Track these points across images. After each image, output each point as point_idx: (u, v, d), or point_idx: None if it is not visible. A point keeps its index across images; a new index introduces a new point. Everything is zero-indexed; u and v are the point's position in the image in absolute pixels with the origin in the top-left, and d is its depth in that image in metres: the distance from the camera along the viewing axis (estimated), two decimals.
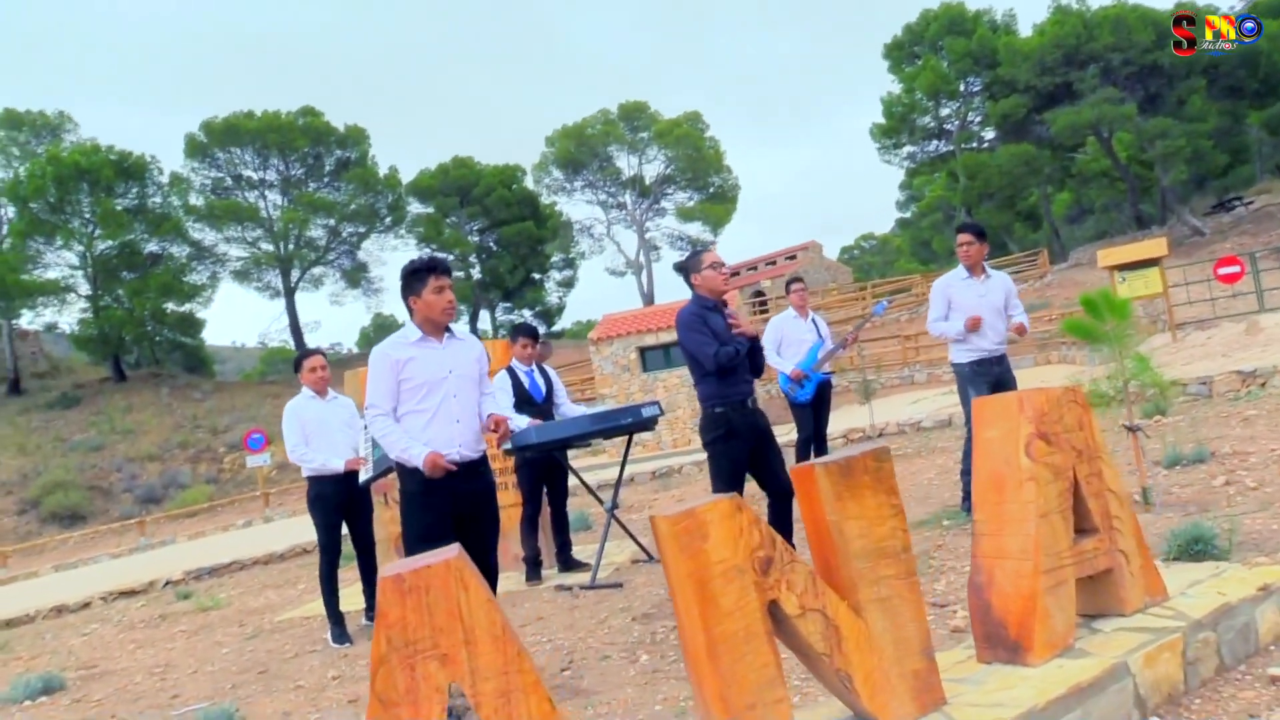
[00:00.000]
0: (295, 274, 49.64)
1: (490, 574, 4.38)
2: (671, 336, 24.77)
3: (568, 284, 61.80)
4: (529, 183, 53.76)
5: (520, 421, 6.78)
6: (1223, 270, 21.21)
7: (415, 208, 53.32)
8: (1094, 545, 2.96)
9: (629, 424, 6.69)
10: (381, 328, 77.98)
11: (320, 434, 6.29)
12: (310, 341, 54.19)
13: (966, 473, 6.24)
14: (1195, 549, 4.43)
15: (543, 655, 5.00)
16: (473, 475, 4.32)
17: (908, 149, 44.86)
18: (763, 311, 43.53)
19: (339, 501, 6.32)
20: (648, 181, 50.84)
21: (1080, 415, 3.01)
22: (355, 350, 70.09)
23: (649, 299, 49.94)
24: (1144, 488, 5.72)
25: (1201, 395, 10.72)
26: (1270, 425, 7.90)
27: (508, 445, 6.82)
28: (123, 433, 38.55)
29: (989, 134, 43.73)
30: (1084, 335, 5.95)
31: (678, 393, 24.60)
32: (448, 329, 4.33)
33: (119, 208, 43.90)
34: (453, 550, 2.52)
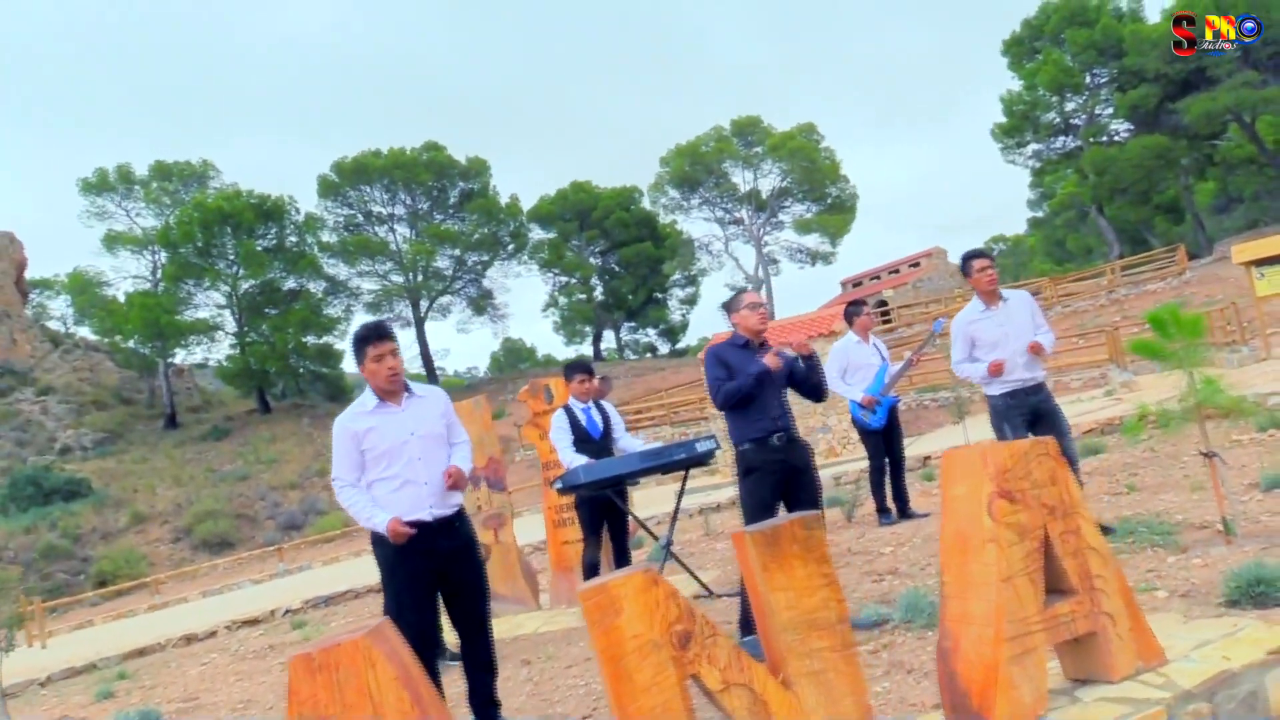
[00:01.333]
0: (424, 304, 51.27)
1: (481, 628, 4.35)
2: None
3: (690, 301, 61.99)
4: (646, 203, 54.19)
5: (576, 460, 6.80)
6: None
7: (536, 233, 54.43)
8: (1070, 608, 2.74)
9: (683, 459, 6.61)
10: (511, 351, 79.86)
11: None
12: (441, 367, 55.94)
13: None
14: (1257, 591, 4.08)
15: (573, 700, 4.96)
16: (448, 533, 4.27)
17: (1033, 147, 43.25)
18: (886, 321, 42.58)
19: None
20: (764, 195, 50.52)
21: (1053, 469, 2.79)
22: (487, 374, 71.91)
23: (770, 314, 49.48)
24: (1224, 517, 5.29)
25: None
26: None
27: (558, 485, 6.84)
28: (267, 462, 40.49)
29: (1119, 127, 41.74)
30: (1151, 355, 5.55)
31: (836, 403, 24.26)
32: (407, 389, 4.32)
33: (259, 248, 46.32)
34: (369, 627, 2.52)
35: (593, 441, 7.04)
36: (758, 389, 4.98)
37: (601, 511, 7.12)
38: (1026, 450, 2.77)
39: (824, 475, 16.01)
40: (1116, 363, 24.36)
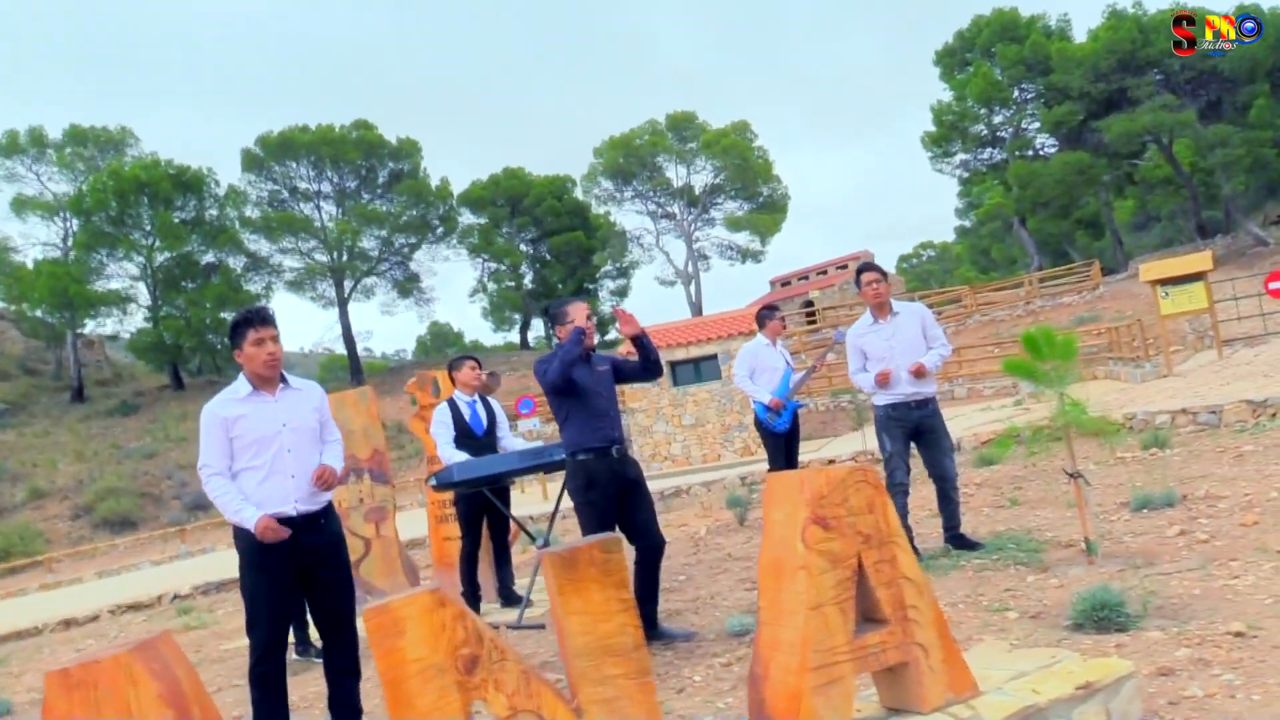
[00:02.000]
0: (348, 284, 50.31)
1: (344, 627, 4.21)
2: (702, 351, 24.56)
3: (621, 293, 61.76)
4: (579, 193, 53.86)
5: (455, 456, 6.65)
6: (1275, 284, 20.24)
7: (467, 218, 53.74)
8: (881, 638, 2.69)
9: (560, 461, 6.49)
10: (438, 335, 78.94)
11: None
12: (368, 349, 55.04)
13: None
14: (1099, 616, 4.11)
15: None
16: (313, 529, 4.13)
17: (960, 157, 43.95)
18: (811, 322, 42.97)
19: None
20: (696, 191, 50.55)
21: (871, 496, 2.74)
22: (413, 358, 70.97)
23: (698, 309, 49.62)
24: (1086, 539, 5.35)
25: (1211, 425, 10.18)
26: (1260, 464, 7.42)
27: (433, 481, 6.69)
28: (176, 440, 39.35)
29: (1044, 141, 42.62)
30: (1023, 374, 5.59)
31: (707, 407, 24.37)
32: (283, 380, 4.19)
33: (177, 220, 44.96)
34: (130, 644, 2.37)
35: (475, 438, 6.89)
36: (584, 387, 4.91)
37: (480, 509, 6.98)
38: (844, 477, 2.71)
39: (730, 475, 16.06)
40: None
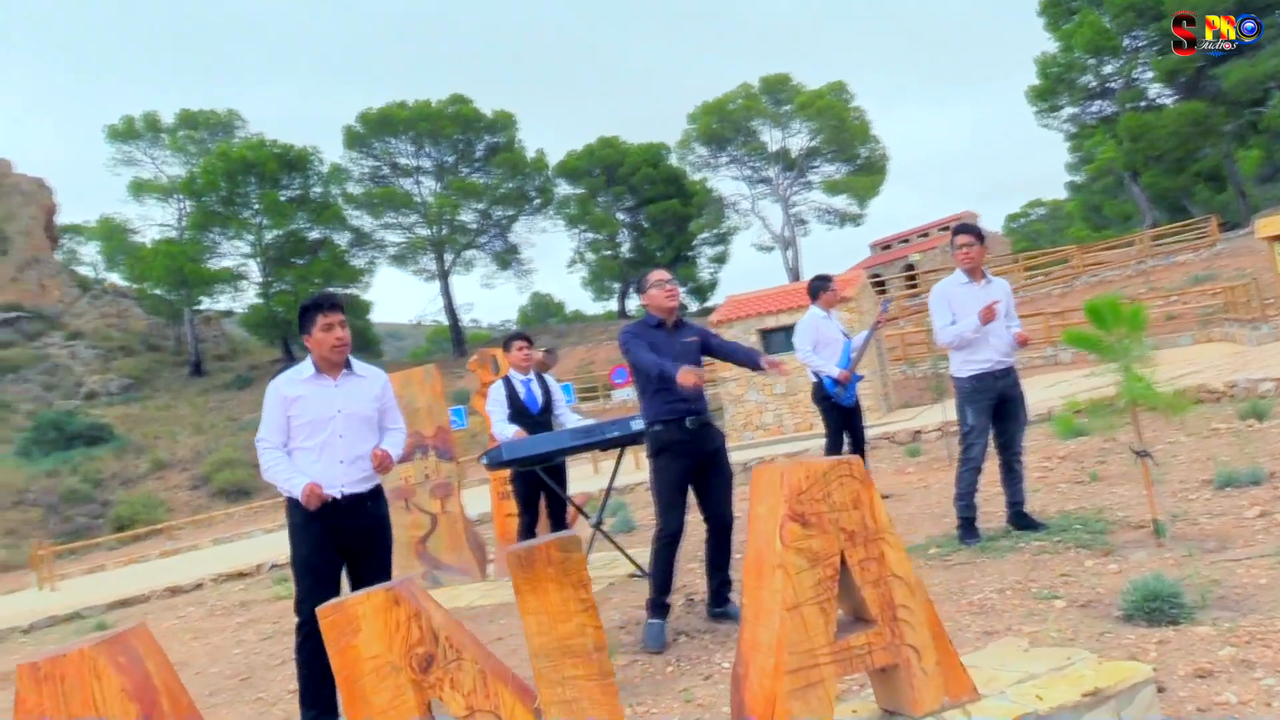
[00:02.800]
0: (449, 257, 51.22)
1: None
2: (793, 319, 24.15)
3: (719, 260, 61.33)
4: (674, 160, 53.53)
5: (506, 433, 6.67)
6: None
7: (563, 189, 54.05)
8: (867, 639, 2.55)
9: (615, 438, 6.42)
10: (540, 305, 79.83)
11: None
12: (475, 319, 56.04)
13: (960, 497, 5.69)
14: (1151, 607, 3.86)
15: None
16: (358, 511, 4.26)
17: (1068, 111, 42.08)
18: (912, 286, 41.94)
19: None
20: (793, 155, 49.67)
21: (856, 491, 2.59)
22: (516, 328, 71.95)
23: (795, 274, 48.95)
24: (1155, 520, 5.05)
25: None
26: None
27: (484, 460, 6.71)
28: None
29: (1158, 91, 40.48)
30: (1086, 347, 5.29)
31: (799, 375, 23.99)
32: (348, 365, 4.29)
33: (284, 198, 46.40)
34: (91, 640, 2.40)
35: (530, 415, 6.88)
36: (667, 380, 4.81)
37: (536, 486, 6.98)
38: (827, 471, 2.57)
39: (816, 444, 15.78)
40: None
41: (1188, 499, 6.04)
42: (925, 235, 49.54)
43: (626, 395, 24.14)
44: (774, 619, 2.48)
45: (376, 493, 4.39)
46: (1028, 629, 3.89)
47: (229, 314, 52.78)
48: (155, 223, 49.57)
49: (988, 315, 5.53)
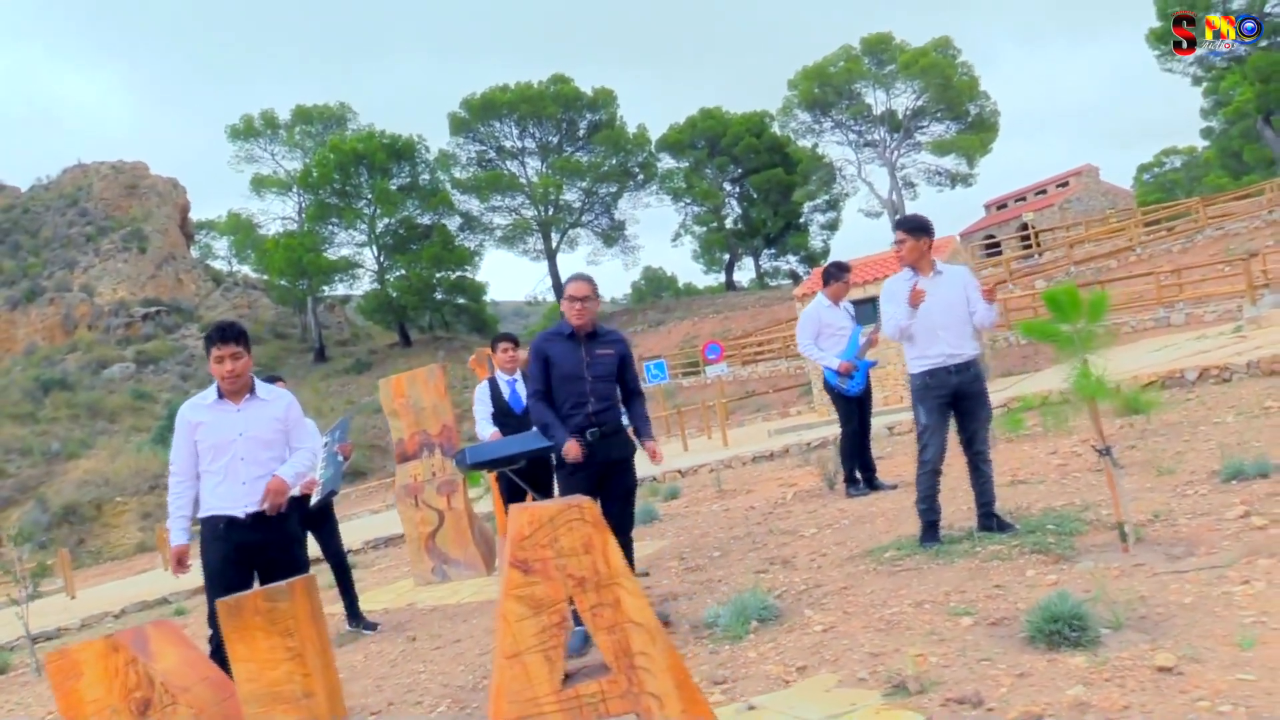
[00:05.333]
0: (555, 237, 51.84)
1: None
2: (877, 290, 23.52)
3: (831, 227, 60.19)
4: (776, 129, 52.68)
5: (485, 434, 6.76)
6: None
7: (666, 163, 53.93)
8: (599, 688, 2.47)
9: None
10: (652, 279, 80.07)
11: None
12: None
13: (921, 500, 5.45)
14: (1050, 630, 3.62)
15: (419, 686, 4.92)
16: (265, 527, 4.43)
17: (1195, 52, 39.41)
18: (1027, 247, 40.22)
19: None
20: (899, 116, 48.18)
21: (588, 535, 2.50)
22: (626, 304, 72.42)
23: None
24: (1119, 524, 4.74)
25: None
26: None
27: (455, 462, 6.78)
28: None
29: None
30: (1042, 337, 4.97)
31: (888, 347, 23.38)
32: (251, 391, 4.45)
33: (394, 187, 47.76)
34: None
35: (514, 416, 6.92)
36: (561, 372, 4.81)
37: (522, 483, 7.00)
38: (554, 515, 2.49)
39: (881, 422, 15.37)
40: (1249, 297, 22.26)
41: (1183, 494, 5.63)
42: (1042, 193, 47.43)
43: (722, 370, 23.88)
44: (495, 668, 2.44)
45: (286, 510, 4.51)
46: (915, 650, 3.70)
47: (346, 300, 54.79)
48: (277, 216, 51.84)
49: (915, 298, 5.27)
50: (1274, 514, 4.80)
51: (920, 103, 47.24)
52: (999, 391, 16.27)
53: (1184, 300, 25.52)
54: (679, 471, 14.10)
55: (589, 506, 2.54)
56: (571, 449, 4.65)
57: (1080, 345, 4.88)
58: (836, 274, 8.08)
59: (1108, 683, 3.09)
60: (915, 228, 5.51)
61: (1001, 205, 50.04)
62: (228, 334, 4.38)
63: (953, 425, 5.52)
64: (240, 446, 4.38)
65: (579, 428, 4.79)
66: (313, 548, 7.57)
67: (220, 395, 4.42)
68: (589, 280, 4.97)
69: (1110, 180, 48.98)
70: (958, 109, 46.63)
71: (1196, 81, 41.69)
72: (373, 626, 6.75)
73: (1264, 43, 37.31)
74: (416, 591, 8.02)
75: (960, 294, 5.45)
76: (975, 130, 47.08)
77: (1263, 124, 38.85)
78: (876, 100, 48.36)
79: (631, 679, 2.49)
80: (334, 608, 7.53)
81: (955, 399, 5.40)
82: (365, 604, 7.66)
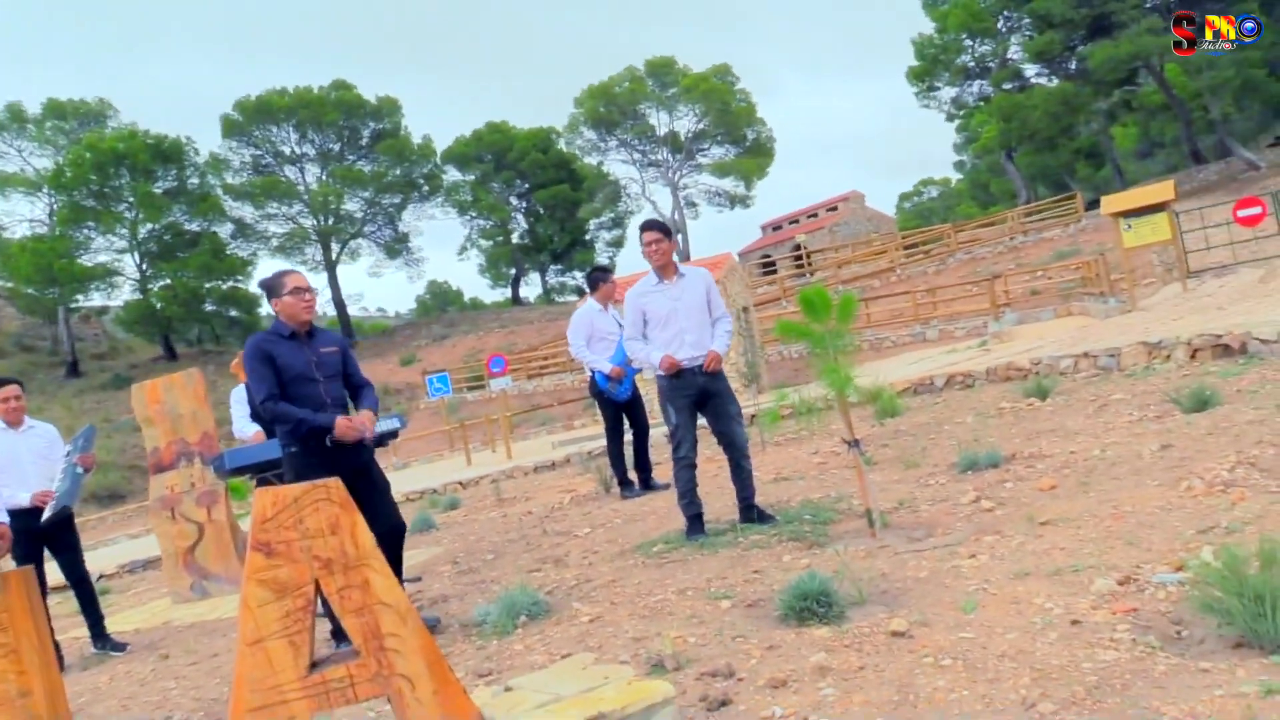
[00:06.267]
0: (336, 247, 50.10)
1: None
2: None
3: (617, 244, 61.19)
4: (563, 145, 53.16)
5: (247, 432, 6.50)
6: (1242, 212, 19.63)
7: (452, 175, 53.29)
8: (347, 671, 2.41)
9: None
10: (438, 293, 78.80)
11: (10, 467, 5.97)
12: (356, 310, 54.90)
13: (682, 495, 5.64)
14: (801, 607, 3.82)
15: (169, 702, 4.62)
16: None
17: (948, 91, 42.91)
18: (799, 266, 42.35)
19: (34, 534, 6.00)
20: (681, 138, 49.69)
21: (335, 516, 2.44)
22: (409, 317, 70.91)
23: (686, 256, 49.05)
24: (867, 511, 5.05)
25: (1109, 369, 9.79)
26: (1114, 415, 7.06)
27: (212, 466, 6.49)
28: None
29: (1035, 71, 41.46)
30: (797, 336, 5.25)
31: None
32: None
33: (158, 190, 44.74)
34: None
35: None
36: (291, 375, 4.57)
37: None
38: (299, 496, 2.42)
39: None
40: (993, 315, 24.40)
41: (925, 484, 6.08)
42: (814, 216, 50.17)
43: (506, 383, 23.72)
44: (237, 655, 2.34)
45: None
46: (675, 633, 3.81)
47: (104, 311, 50.86)
48: (24, 218, 47.46)
49: (668, 366, 5.47)
50: (1000, 498, 5.28)
51: (701, 126, 48.93)
52: (767, 403, 17.01)
53: (937, 317, 27.58)
54: (460, 483, 13.90)
55: (335, 486, 2.48)
56: (347, 429, 4.46)
57: (830, 342, 5.19)
58: (602, 277, 8.25)
59: (847, 649, 3.30)
60: (667, 230, 5.74)
61: (777, 226, 52.55)
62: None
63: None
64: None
65: (317, 434, 4.57)
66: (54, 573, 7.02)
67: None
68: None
69: (875, 206, 52.42)
70: (736, 133, 48.61)
71: (950, 118, 45.29)
72: (121, 647, 6.28)
73: (1008, 85, 41.04)
74: (173, 610, 7.53)
75: (702, 297, 5.68)
76: (753, 154, 49.23)
77: (1005, 159, 42.61)
78: (660, 121, 49.77)
79: (381, 661, 2.45)
80: (78, 630, 6.98)
81: (702, 398, 5.62)
82: (115, 625, 7.13)
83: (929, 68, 40.89)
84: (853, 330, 5.23)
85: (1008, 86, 41.03)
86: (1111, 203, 20.04)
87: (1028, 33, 39.02)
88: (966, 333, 25.53)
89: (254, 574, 2.35)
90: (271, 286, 4.72)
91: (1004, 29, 40.24)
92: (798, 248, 46.20)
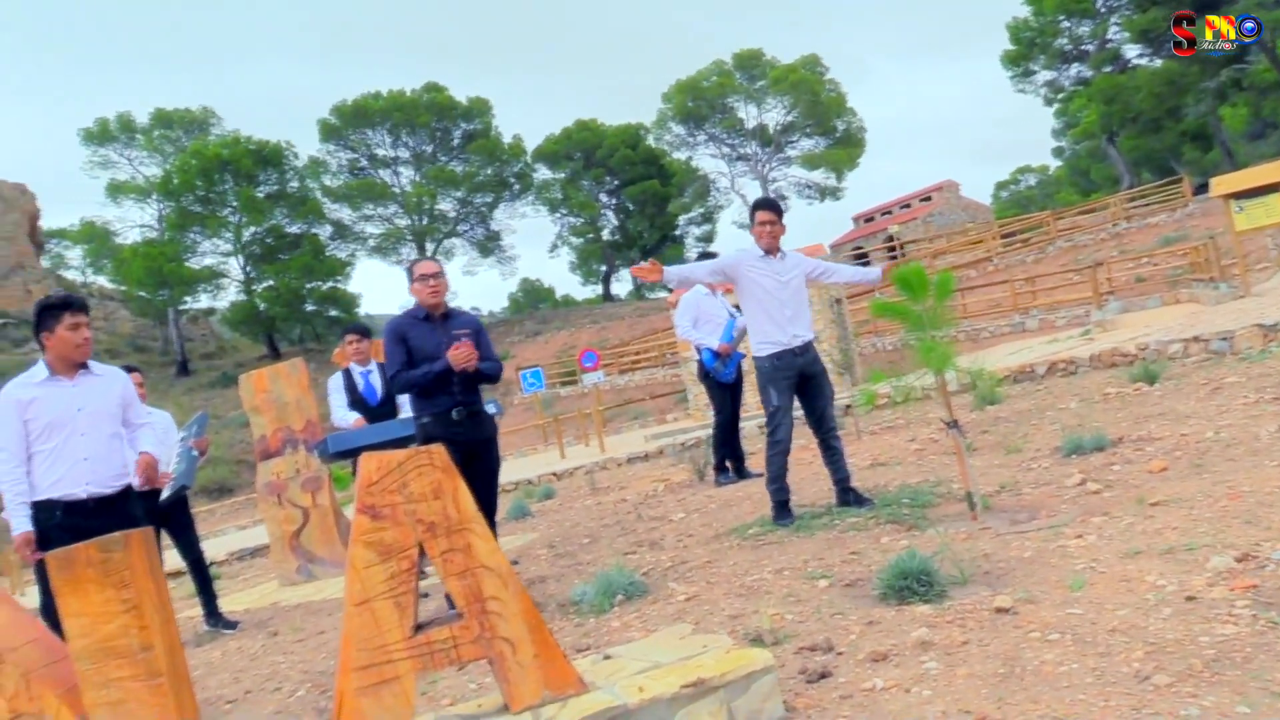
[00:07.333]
0: (430, 247, 51.08)
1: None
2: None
3: (707, 239, 61.01)
4: (651, 140, 53.22)
5: (347, 420, 6.69)
6: None
7: (542, 173, 53.81)
8: (451, 633, 2.46)
9: None
10: (529, 291, 79.70)
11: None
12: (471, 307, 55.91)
13: (772, 480, 5.60)
14: (901, 586, 3.76)
15: (276, 677, 4.78)
16: (109, 511, 4.20)
17: (1045, 75, 41.68)
18: (892, 257, 41.65)
19: (153, 515, 6.23)
20: (770, 131, 49.31)
21: (437, 481, 2.49)
22: (503, 314, 71.87)
23: None
24: (968, 493, 4.95)
25: (1221, 353, 9.40)
26: (1228, 399, 6.79)
27: (315, 450, 6.67)
28: None
29: (1138, 51, 39.99)
30: (894, 316, 5.17)
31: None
32: (84, 365, 4.24)
33: (261, 194, 46.24)
34: None
35: (369, 406, 6.85)
36: (438, 383, 4.82)
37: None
38: (403, 461, 2.47)
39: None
40: (1096, 303, 23.61)
41: (1028, 468, 5.93)
42: (907, 206, 49.26)
43: (600, 377, 23.88)
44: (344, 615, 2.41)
45: (126, 491, 4.37)
46: (773, 610, 3.79)
47: (210, 312, 52.78)
48: (135, 224, 49.55)
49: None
50: (1107, 480, 5.11)
51: (790, 118, 48.47)
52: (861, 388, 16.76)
53: (1037, 307, 26.82)
54: (554, 475, 14.07)
55: (438, 452, 2.53)
56: (459, 353, 4.69)
57: (929, 322, 5.10)
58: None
59: (950, 624, 3.24)
60: (780, 211, 5.69)
61: (869, 218, 51.76)
62: (80, 302, 4.24)
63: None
64: (81, 422, 4.16)
65: (444, 406, 4.77)
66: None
67: (51, 372, 4.18)
68: (435, 260, 5.07)
69: (970, 195, 51.22)
70: (826, 125, 48.02)
71: (1048, 103, 44.00)
72: (233, 625, 6.52)
73: (1108, 67, 39.67)
74: (281, 592, 7.78)
75: (802, 279, 5.64)
76: (843, 145, 48.58)
77: (1107, 144, 41.20)
78: (748, 114, 49.44)
79: (484, 624, 2.49)
80: (192, 610, 7.27)
81: (800, 379, 5.57)
82: (226, 605, 7.39)
83: (1025, 51, 39.78)
84: (951, 311, 5.11)
85: (1108, 69, 39.64)
86: (1222, 184, 19.20)
87: (1127, 12, 37.67)
88: (1068, 322, 24.77)
89: (360, 536, 2.41)
90: (409, 273, 5.05)
91: (1103, 8, 38.88)
92: (891, 239, 45.45)
